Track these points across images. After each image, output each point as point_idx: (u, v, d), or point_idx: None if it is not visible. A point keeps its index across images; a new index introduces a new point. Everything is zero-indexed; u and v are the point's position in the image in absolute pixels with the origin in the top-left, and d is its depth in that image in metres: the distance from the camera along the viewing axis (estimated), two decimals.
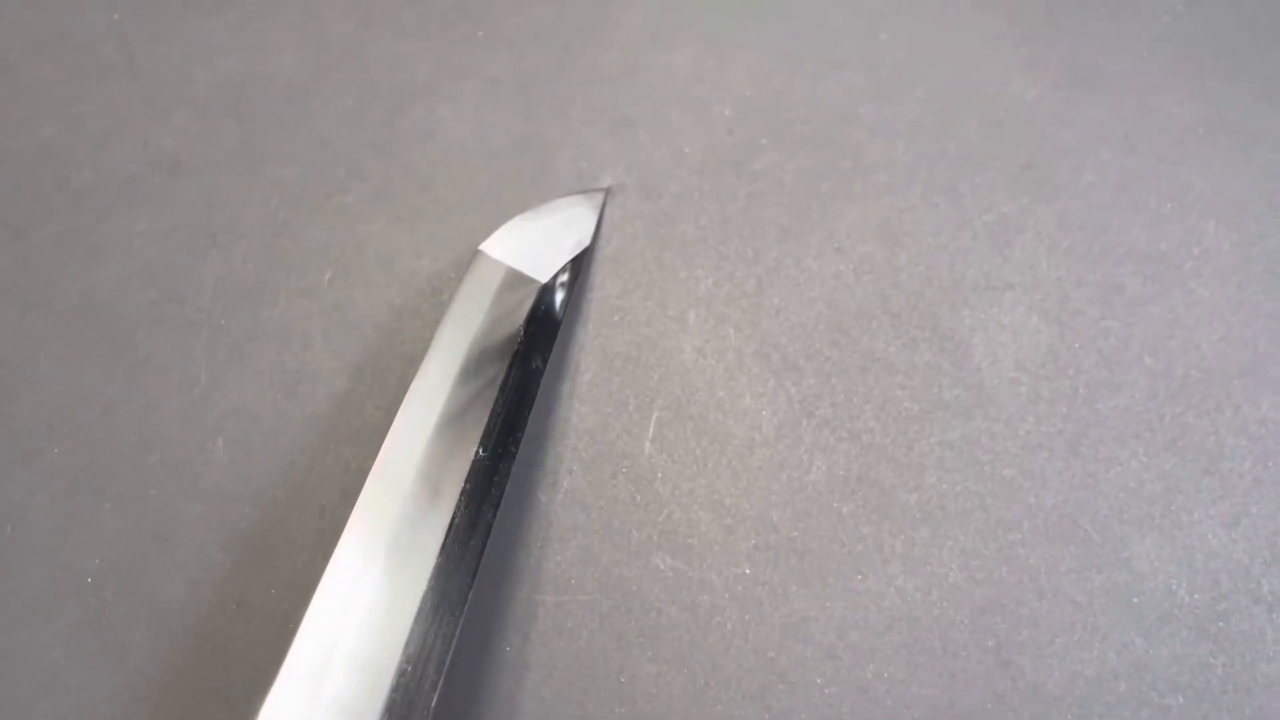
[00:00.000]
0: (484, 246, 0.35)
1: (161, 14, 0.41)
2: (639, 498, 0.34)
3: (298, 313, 0.37)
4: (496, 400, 0.32)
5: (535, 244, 0.36)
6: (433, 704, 0.26)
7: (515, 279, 0.34)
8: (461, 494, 0.32)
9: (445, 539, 0.31)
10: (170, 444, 0.36)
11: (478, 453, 0.32)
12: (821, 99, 0.40)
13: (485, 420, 0.32)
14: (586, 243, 0.37)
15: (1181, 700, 0.30)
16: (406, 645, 0.27)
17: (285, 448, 0.35)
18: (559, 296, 0.35)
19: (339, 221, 0.39)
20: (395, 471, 0.31)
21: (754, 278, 0.37)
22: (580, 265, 0.36)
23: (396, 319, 0.37)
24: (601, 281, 0.37)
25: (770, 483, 0.34)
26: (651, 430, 0.35)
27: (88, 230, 0.39)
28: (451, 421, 0.32)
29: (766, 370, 0.36)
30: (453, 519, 0.31)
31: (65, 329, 0.37)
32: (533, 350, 0.33)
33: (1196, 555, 0.32)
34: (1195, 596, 0.32)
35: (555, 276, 0.35)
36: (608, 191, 0.38)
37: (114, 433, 0.36)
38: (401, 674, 0.26)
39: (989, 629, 0.31)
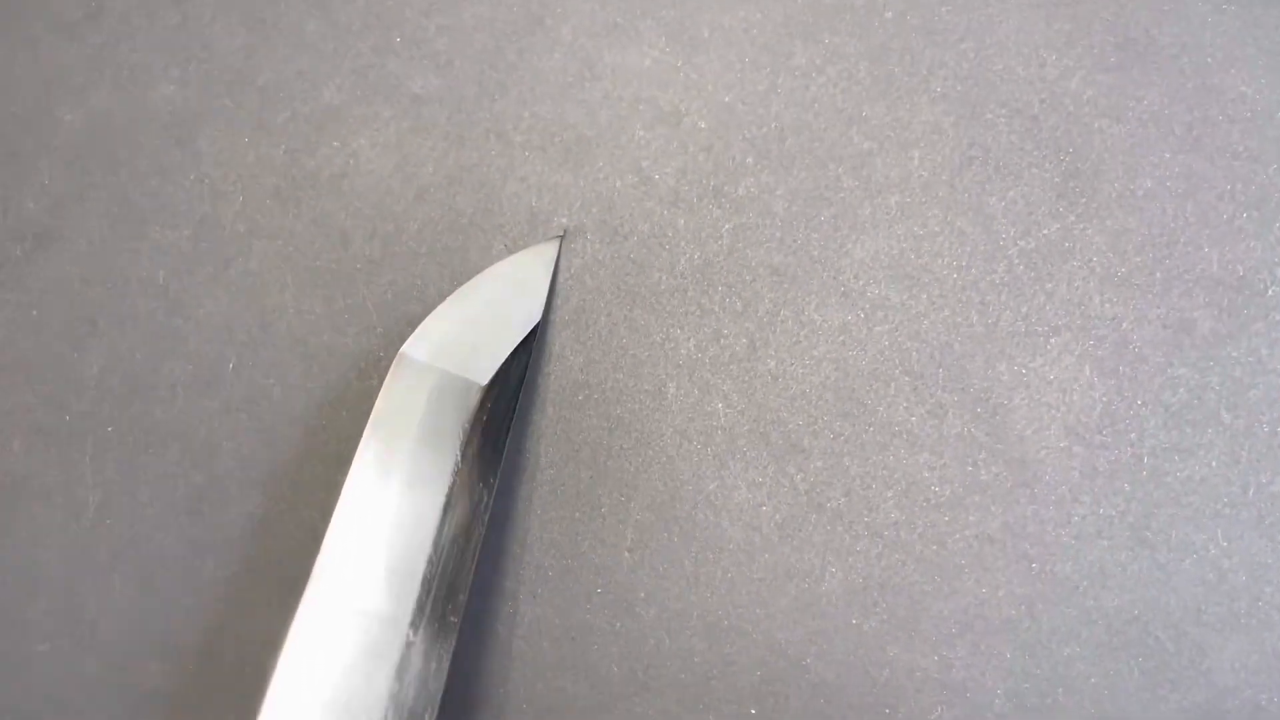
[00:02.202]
0: (407, 348, 0.28)
1: (12, 39, 0.34)
2: (619, 624, 0.29)
3: (199, 413, 0.31)
4: (432, 554, 0.26)
5: (471, 331, 0.29)
6: None
7: (448, 384, 0.28)
8: (406, 643, 0.26)
9: (393, 687, 0.26)
10: (58, 587, 0.30)
11: (420, 596, 0.26)
12: (816, 101, 0.33)
13: (423, 568, 0.26)
14: (537, 317, 0.30)
15: None
16: None
17: (194, 585, 0.30)
18: (507, 394, 0.29)
19: (241, 293, 0.32)
20: (325, 619, 0.26)
21: (744, 336, 0.31)
22: (534, 342, 0.30)
23: (317, 413, 0.31)
24: (561, 351, 0.31)
25: (776, 597, 0.28)
26: (630, 537, 0.29)
27: None
28: (387, 560, 0.26)
29: (765, 453, 0.30)
30: (401, 662, 0.26)
31: None
32: (478, 471, 0.27)
33: None
34: None
35: (499, 373, 0.28)
36: (562, 239, 0.32)
37: None
38: None
39: None
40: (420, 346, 0.28)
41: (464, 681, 0.28)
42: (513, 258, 0.31)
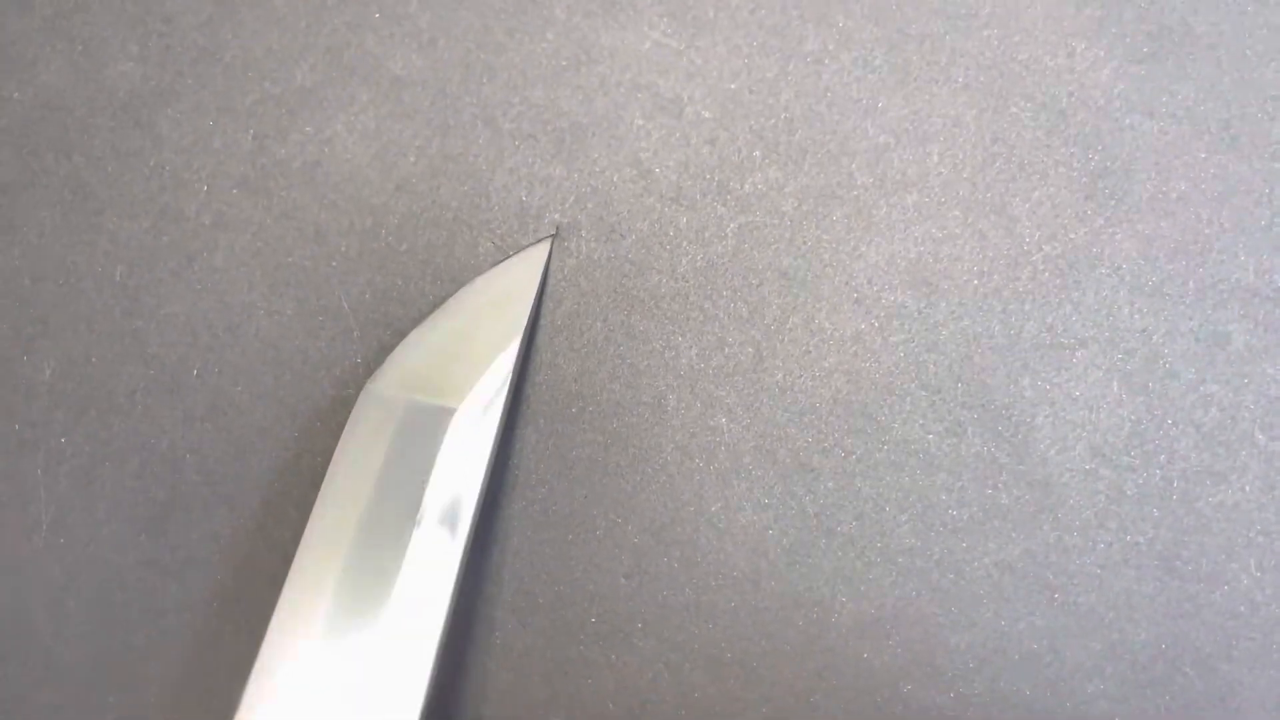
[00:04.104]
0: (374, 383, 0.26)
1: None
2: (614, 657, 0.27)
3: (161, 422, 0.29)
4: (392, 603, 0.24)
5: (445, 353, 0.27)
6: None
7: (417, 414, 0.26)
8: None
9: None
10: (6, 610, 0.28)
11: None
12: (829, 90, 0.30)
13: (390, 592, 0.24)
14: (520, 329, 0.28)
15: None
16: None
17: (156, 609, 0.27)
18: (487, 415, 0.26)
19: (206, 291, 0.30)
20: (288, 649, 0.24)
21: (750, 344, 0.29)
22: (518, 355, 0.28)
23: (289, 424, 0.29)
24: (553, 359, 0.29)
25: (783, 628, 0.27)
26: (626, 562, 0.27)
27: None
28: (352, 592, 0.24)
29: (771, 472, 0.28)
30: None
31: None
32: (449, 504, 0.25)
33: None
34: None
35: (474, 393, 0.26)
36: (554, 239, 0.29)
37: None
38: None
39: None
40: (386, 379, 0.26)
41: (448, 715, 0.26)
42: (494, 270, 0.28)
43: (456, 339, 0.27)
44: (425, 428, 0.25)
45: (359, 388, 0.29)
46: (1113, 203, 0.29)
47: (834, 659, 0.26)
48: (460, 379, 0.26)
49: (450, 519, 0.25)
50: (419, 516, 0.24)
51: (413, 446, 0.25)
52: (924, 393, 0.28)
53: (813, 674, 0.26)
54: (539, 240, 0.29)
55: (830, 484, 0.28)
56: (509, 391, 0.27)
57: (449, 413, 0.26)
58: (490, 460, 0.25)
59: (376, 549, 0.24)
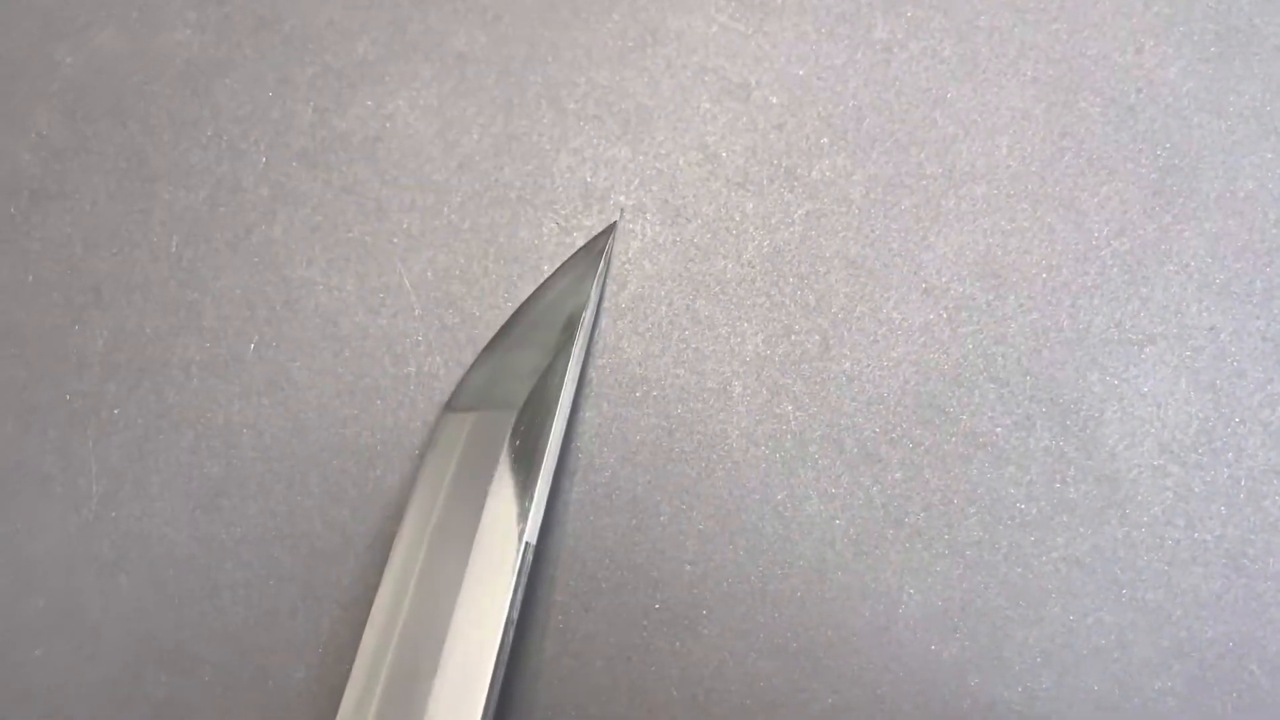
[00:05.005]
0: (449, 402, 0.26)
1: None
2: (678, 644, 0.26)
3: (217, 396, 0.28)
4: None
5: (509, 361, 0.27)
6: None
7: (484, 421, 0.26)
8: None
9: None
10: (56, 586, 0.27)
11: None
12: (897, 79, 0.30)
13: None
14: (583, 320, 0.27)
15: None
16: None
17: (209, 587, 0.27)
18: (545, 411, 0.26)
19: (263, 265, 0.29)
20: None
21: (817, 332, 0.28)
22: (575, 342, 0.27)
23: (349, 399, 0.28)
24: (616, 342, 0.28)
25: (849, 618, 0.26)
26: (691, 549, 0.27)
27: None
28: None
29: (838, 461, 0.27)
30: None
31: None
32: (514, 503, 0.25)
33: None
34: None
35: (533, 392, 0.26)
36: (613, 232, 0.29)
37: None
38: None
39: None
40: (460, 398, 0.26)
41: (506, 703, 0.26)
42: (558, 273, 0.28)
43: (521, 339, 0.27)
44: (488, 434, 0.25)
45: (420, 366, 0.28)
46: (1180, 200, 0.29)
47: (901, 651, 0.26)
48: (521, 380, 0.26)
49: (516, 515, 0.24)
50: (480, 527, 0.24)
51: (479, 456, 0.25)
52: (992, 385, 0.28)
53: (879, 666, 0.26)
54: (595, 241, 0.29)
55: (898, 475, 0.27)
56: (564, 375, 0.26)
57: (507, 415, 0.25)
58: (552, 459, 0.25)
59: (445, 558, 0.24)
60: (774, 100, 0.30)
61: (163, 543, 0.27)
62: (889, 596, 0.27)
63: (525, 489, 0.25)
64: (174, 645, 0.26)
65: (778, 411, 0.28)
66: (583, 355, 0.27)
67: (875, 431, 0.28)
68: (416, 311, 0.29)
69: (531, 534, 0.24)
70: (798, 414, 0.28)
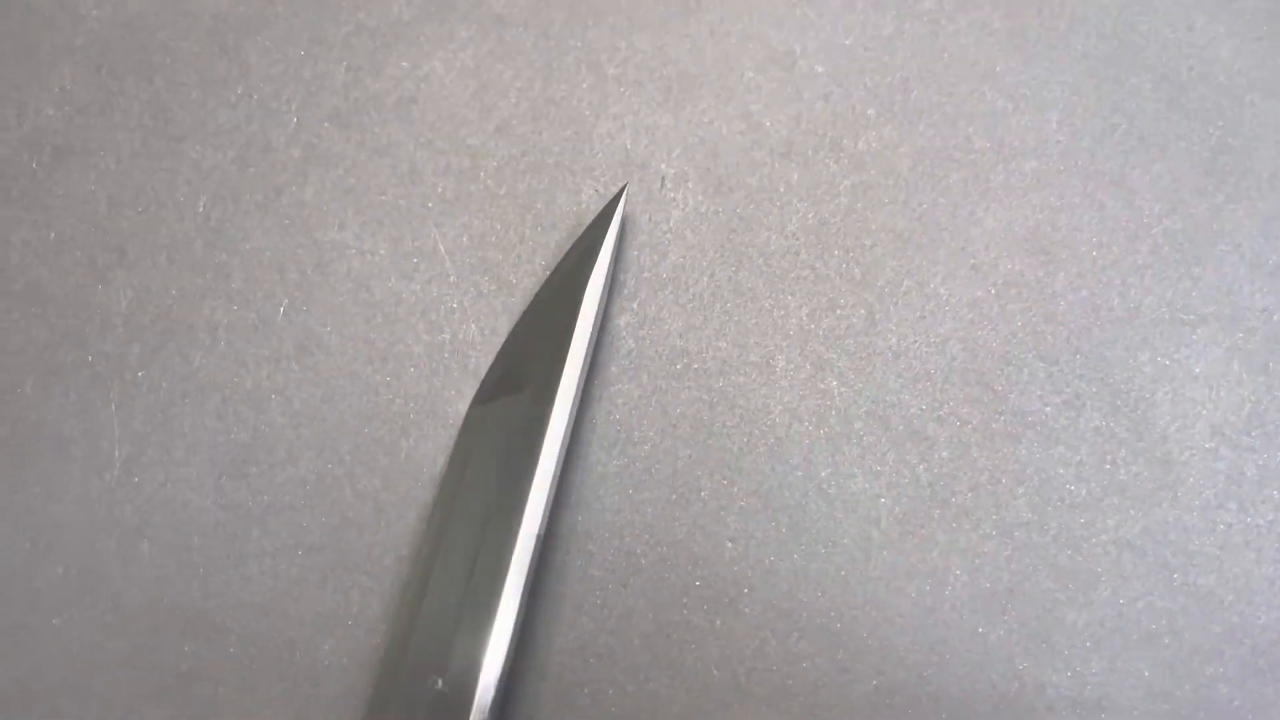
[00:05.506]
0: (476, 404, 0.26)
1: None
2: (719, 622, 0.26)
3: (244, 359, 0.27)
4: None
5: (530, 347, 0.26)
6: None
7: (511, 409, 0.25)
8: None
9: None
10: (77, 552, 0.26)
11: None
12: (945, 51, 0.30)
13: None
14: (598, 299, 0.26)
15: None
16: None
17: (235, 556, 0.26)
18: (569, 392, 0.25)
19: (294, 227, 0.28)
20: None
21: (863, 306, 0.28)
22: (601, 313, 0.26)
23: (381, 365, 0.27)
24: (657, 313, 0.28)
25: (895, 599, 0.26)
26: (732, 525, 0.26)
27: None
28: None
29: (883, 439, 0.27)
30: None
31: None
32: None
33: None
34: None
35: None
36: (623, 195, 0.27)
37: None
38: None
39: None
40: (482, 392, 0.26)
41: (544, 679, 0.25)
42: (568, 255, 0.27)
43: (539, 324, 0.26)
44: (517, 420, 0.25)
45: (454, 333, 0.27)
46: (1233, 179, 0.29)
47: (948, 633, 0.26)
48: (543, 361, 0.25)
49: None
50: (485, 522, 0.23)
51: (509, 444, 0.24)
52: (1041, 364, 0.27)
53: (925, 647, 0.25)
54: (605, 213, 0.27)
55: (944, 453, 0.27)
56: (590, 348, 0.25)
57: (530, 397, 0.25)
58: (559, 446, 0.24)
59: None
60: (820, 70, 0.30)
61: (187, 509, 0.26)
62: (935, 577, 0.26)
63: (526, 480, 0.24)
64: (198, 615, 0.26)
65: (821, 387, 0.27)
66: (592, 332, 0.26)
67: (922, 409, 0.27)
68: (451, 278, 0.28)
69: (533, 524, 0.23)
70: (842, 390, 0.27)
